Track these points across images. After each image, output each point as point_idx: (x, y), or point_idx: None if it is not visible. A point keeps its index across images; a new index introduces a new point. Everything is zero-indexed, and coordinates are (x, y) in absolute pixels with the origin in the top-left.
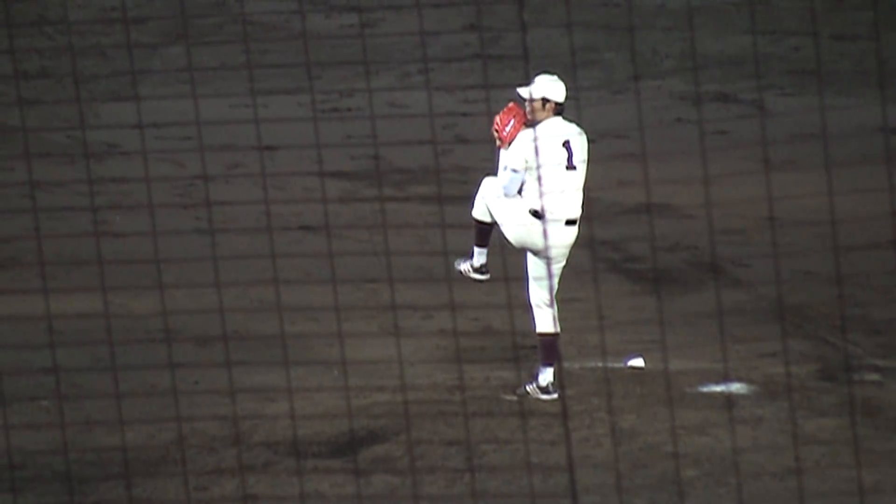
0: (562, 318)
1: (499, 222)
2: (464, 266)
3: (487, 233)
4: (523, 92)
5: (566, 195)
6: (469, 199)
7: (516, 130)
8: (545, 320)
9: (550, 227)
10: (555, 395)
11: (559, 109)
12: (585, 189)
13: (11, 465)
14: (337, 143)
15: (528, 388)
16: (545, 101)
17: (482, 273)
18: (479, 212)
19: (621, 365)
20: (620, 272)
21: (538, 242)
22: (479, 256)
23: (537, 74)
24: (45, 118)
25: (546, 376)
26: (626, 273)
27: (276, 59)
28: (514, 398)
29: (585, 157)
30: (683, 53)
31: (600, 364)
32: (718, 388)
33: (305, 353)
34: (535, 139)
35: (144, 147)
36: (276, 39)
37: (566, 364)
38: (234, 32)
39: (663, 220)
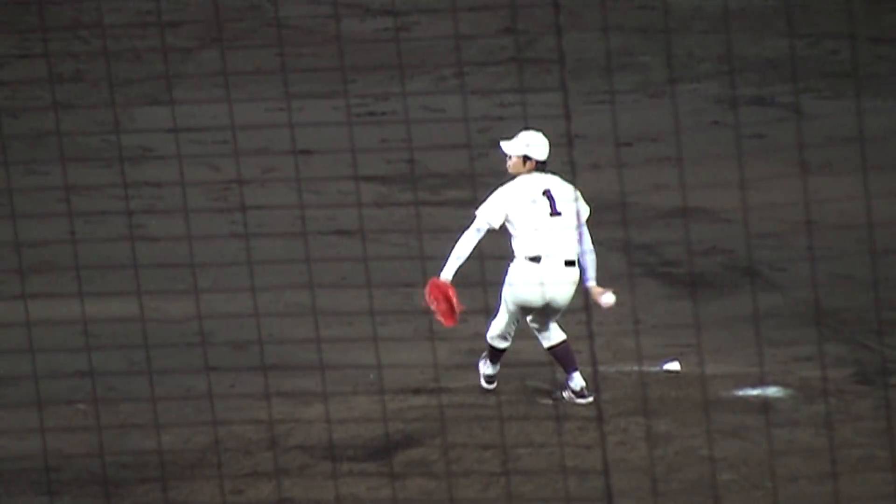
0: (598, 322)
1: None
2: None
3: (500, 355)
4: (505, 147)
5: (558, 238)
6: None
7: (447, 305)
8: (502, 343)
9: (550, 269)
10: (590, 399)
11: (541, 167)
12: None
13: (48, 467)
14: (372, 147)
15: (563, 394)
16: (526, 158)
17: (490, 383)
18: (497, 338)
19: (657, 369)
20: (656, 276)
21: (536, 292)
22: (489, 368)
23: (522, 130)
24: (79, 122)
25: (577, 381)
26: (662, 277)
27: (310, 63)
28: (550, 402)
29: (574, 201)
30: (720, 56)
31: (636, 368)
32: (754, 392)
33: (341, 356)
34: (514, 193)
35: (179, 151)
36: (310, 43)
37: (602, 368)
38: (269, 36)
39: (699, 223)
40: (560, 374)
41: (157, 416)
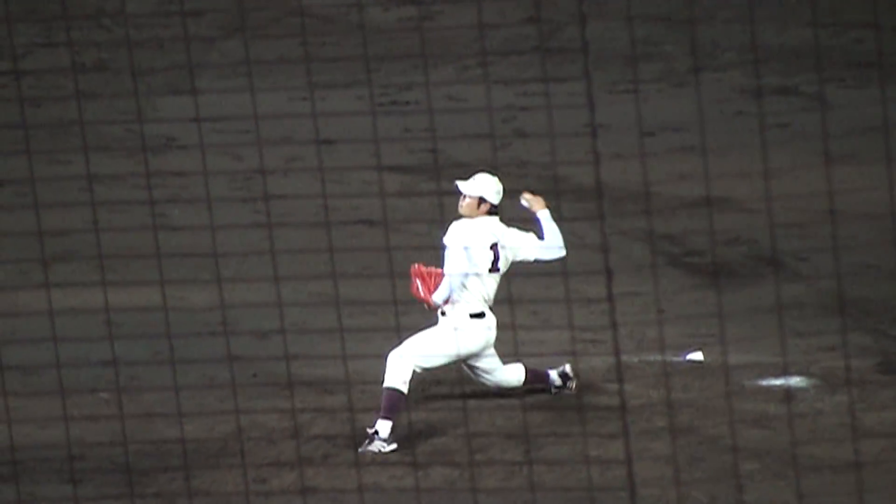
0: (621, 311)
1: (429, 355)
2: (376, 446)
3: (400, 402)
4: (463, 187)
5: (488, 290)
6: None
7: (429, 283)
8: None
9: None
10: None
11: (493, 210)
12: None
13: (71, 456)
14: (395, 136)
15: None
16: (482, 200)
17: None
18: (397, 378)
19: (680, 359)
20: (680, 266)
21: (480, 343)
22: (385, 429)
23: (478, 172)
24: (102, 111)
25: (555, 377)
26: (685, 267)
27: (334, 52)
28: (573, 391)
29: (513, 252)
30: (744, 46)
31: (659, 358)
32: (778, 382)
33: (363, 346)
34: (476, 238)
35: (202, 140)
36: (334, 32)
37: (625, 357)
38: (292, 25)
39: (723, 213)
40: (585, 364)
41: (180, 405)
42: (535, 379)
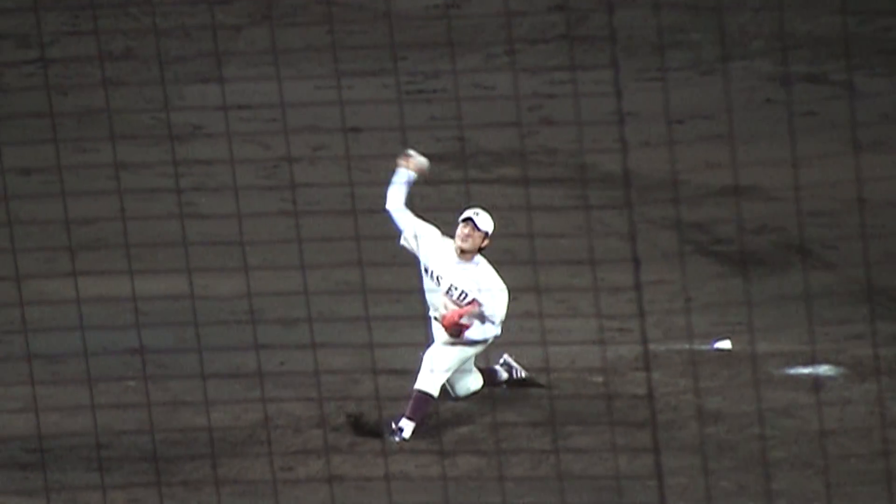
0: (648, 300)
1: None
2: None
3: (428, 406)
4: (479, 222)
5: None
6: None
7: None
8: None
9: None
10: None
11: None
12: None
13: (98, 444)
14: (422, 124)
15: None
16: (486, 235)
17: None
18: (430, 382)
19: (708, 347)
20: (708, 254)
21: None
22: (409, 429)
23: (469, 208)
24: (129, 100)
25: (502, 373)
26: (713, 255)
27: (360, 40)
28: (600, 380)
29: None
30: (772, 34)
31: (687, 346)
32: (806, 371)
33: (390, 334)
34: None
35: (229, 129)
36: (361, 20)
37: (652, 346)
38: (319, 13)
39: (751, 202)
40: (612, 352)
41: (207, 394)
42: (489, 379)
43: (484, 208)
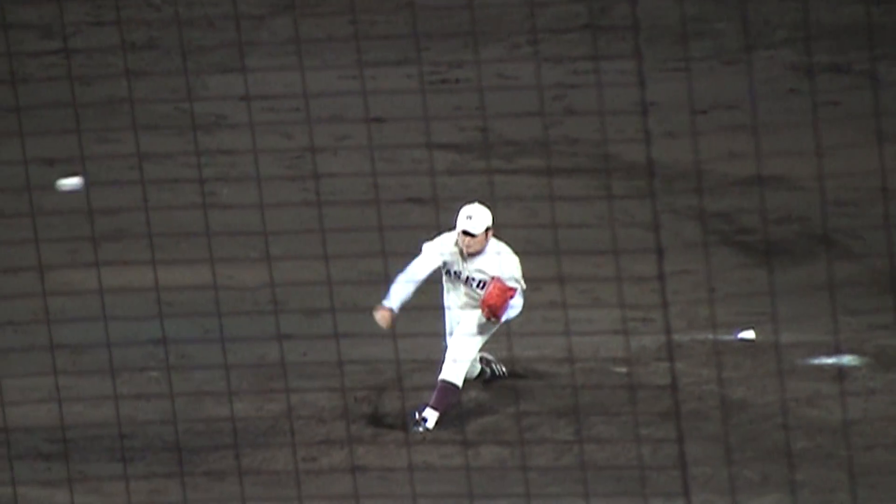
0: (672, 290)
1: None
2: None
3: (452, 396)
4: (472, 229)
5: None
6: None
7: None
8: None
9: None
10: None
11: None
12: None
13: (121, 434)
14: (445, 114)
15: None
16: (488, 229)
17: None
18: (454, 373)
19: (732, 337)
20: (731, 244)
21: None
22: (433, 419)
23: (462, 208)
24: (152, 90)
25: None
26: (737, 245)
27: (383, 30)
28: (624, 370)
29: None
30: (796, 23)
31: (710, 336)
32: (830, 361)
33: (413, 324)
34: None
35: (252, 119)
36: (383, 10)
37: (676, 336)
38: (342, 3)
39: (775, 191)
40: (636, 342)
41: (230, 384)
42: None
43: (479, 201)
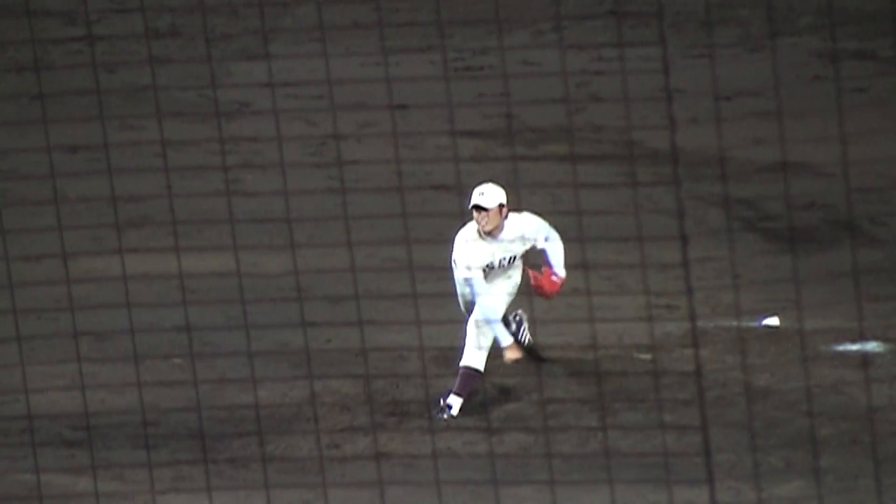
0: (697, 277)
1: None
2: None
3: (475, 381)
4: (483, 203)
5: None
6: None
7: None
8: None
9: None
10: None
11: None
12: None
13: (145, 422)
14: (469, 101)
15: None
16: (501, 206)
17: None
18: (475, 358)
19: (756, 324)
20: (756, 231)
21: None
22: (457, 405)
23: (476, 187)
24: (176, 77)
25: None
26: (761, 231)
27: (407, 17)
28: (648, 357)
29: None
30: (821, 10)
31: (735, 323)
32: (854, 347)
33: (437, 312)
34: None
35: (276, 106)
36: None
37: (700, 323)
38: None
39: (799, 178)
40: (660, 329)
41: (254, 371)
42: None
43: (493, 181)
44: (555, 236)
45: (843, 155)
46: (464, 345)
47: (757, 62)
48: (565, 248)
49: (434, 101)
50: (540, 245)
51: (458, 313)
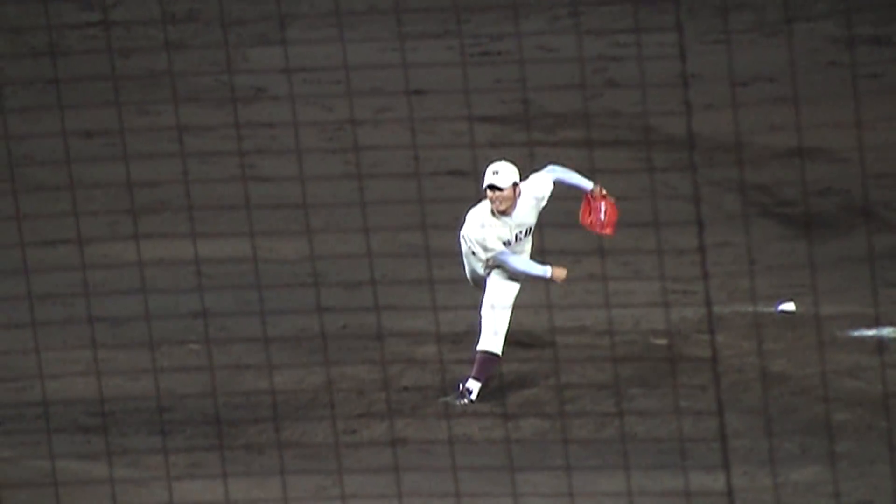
0: (712, 262)
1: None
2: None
3: (492, 365)
4: (498, 182)
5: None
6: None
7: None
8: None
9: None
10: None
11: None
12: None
13: (161, 408)
14: (486, 87)
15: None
16: (515, 184)
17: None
18: (492, 342)
19: (772, 309)
20: (771, 216)
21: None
22: (476, 389)
23: (490, 165)
24: (192, 62)
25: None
26: (777, 217)
27: (424, 2)
28: (664, 342)
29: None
30: None
31: (751, 308)
32: (870, 333)
33: (453, 297)
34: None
35: (292, 91)
36: None
37: (716, 308)
38: None
39: (815, 164)
40: (676, 315)
41: (270, 357)
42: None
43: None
44: (555, 167)
45: (858, 140)
46: (480, 329)
47: (773, 48)
48: (582, 234)
49: (451, 86)
50: (551, 183)
51: (474, 298)
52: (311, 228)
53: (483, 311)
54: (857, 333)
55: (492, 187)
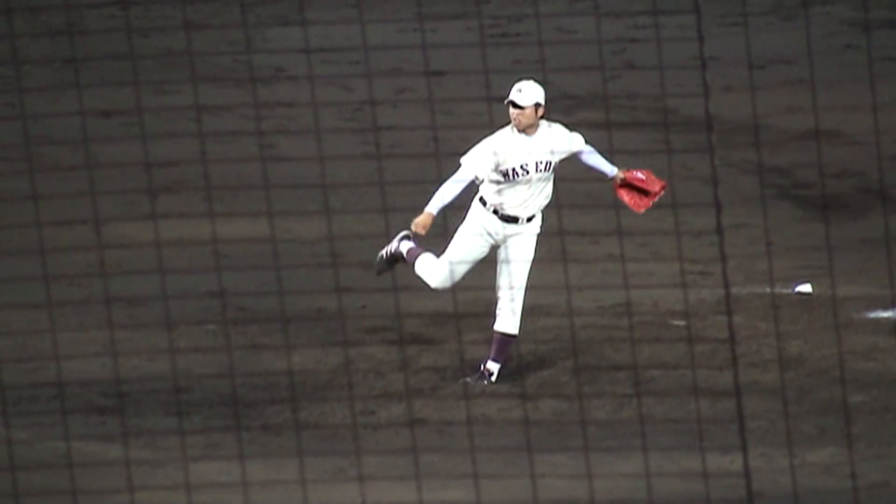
0: (730, 244)
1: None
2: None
3: (510, 346)
4: (519, 100)
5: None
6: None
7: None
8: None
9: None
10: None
11: (545, 114)
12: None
13: (178, 388)
14: (505, 68)
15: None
16: (537, 105)
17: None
18: (508, 323)
19: (789, 291)
20: (789, 198)
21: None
22: (495, 370)
23: (515, 83)
24: (211, 42)
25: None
26: (794, 199)
27: None
28: (682, 323)
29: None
30: None
31: (768, 290)
32: (886, 314)
33: (472, 278)
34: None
35: (312, 71)
36: None
37: (734, 290)
38: None
39: (832, 146)
40: (694, 296)
41: (288, 337)
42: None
43: (532, 79)
44: (590, 148)
45: (875, 123)
46: (497, 309)
47: (790, 31)
48: (600, 215)
49: (470, 67)
50: (581, 146)
51: (493, 279)
52: (329, 209)
53: (500, 292)
54: (873, 315)
55: (513, 104)
